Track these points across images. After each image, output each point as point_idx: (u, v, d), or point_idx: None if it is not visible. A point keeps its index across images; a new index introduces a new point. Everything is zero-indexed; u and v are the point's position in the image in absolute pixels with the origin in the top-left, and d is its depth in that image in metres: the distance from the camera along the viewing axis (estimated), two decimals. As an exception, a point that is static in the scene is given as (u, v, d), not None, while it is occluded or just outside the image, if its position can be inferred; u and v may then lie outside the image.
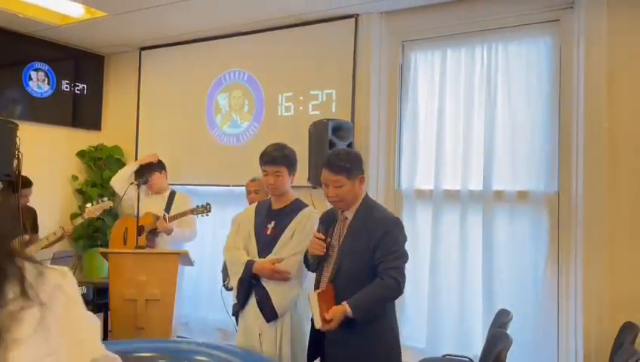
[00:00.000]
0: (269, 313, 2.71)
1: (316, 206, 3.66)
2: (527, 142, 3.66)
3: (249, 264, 2.74)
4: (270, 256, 2.76)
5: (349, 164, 2.41)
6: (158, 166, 4.39)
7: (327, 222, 2.53)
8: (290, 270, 2.70)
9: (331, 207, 2.60)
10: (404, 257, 2.39)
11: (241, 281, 2.77)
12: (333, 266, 2.44)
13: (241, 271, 2.75)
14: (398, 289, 2.32)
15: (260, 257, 2.78)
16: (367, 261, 2.37)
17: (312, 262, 2.53)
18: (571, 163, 3.48)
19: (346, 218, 2.49)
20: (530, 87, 3.67)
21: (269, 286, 2.73)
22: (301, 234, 2.74)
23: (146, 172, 4.29)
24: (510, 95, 3.72)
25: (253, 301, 2.77)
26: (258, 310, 2.74)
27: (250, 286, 2.77)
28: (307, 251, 2.54)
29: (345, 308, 2.26)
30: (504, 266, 3.66)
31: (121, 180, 4.37)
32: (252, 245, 2.83)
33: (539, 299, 3.52)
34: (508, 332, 2.74)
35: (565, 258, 3.48)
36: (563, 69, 3.56)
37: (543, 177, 3.59)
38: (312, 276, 2.83)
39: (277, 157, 2.76)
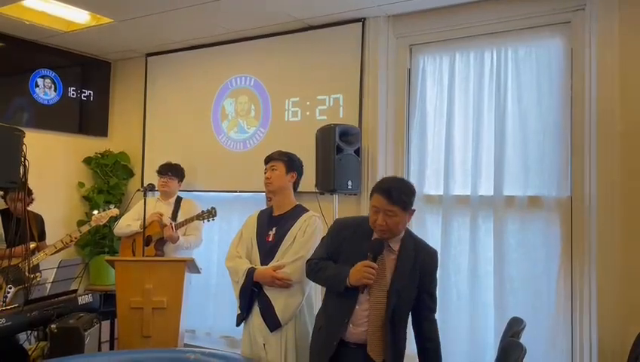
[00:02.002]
0: (272, 322, 2.69)
1: (324, 212, 3.63)
2: (539, 146, 3.59)
3: (250, 272, 2.73)
4: (272, 263, 2.73)
5: (408, 198, 2.36)
6: (181, 176, 4.46)
7: (377, 251, 2.37)
8: (291, 276, 2.68)
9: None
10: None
11: (243, 290, 2.74)
12: (388, 305, 2.37)
13: (243, 280, 2.73)
14: None
15: (262, 264, 2.77)
16: (416, 290, 2.44)
17: (361, 289, 2.36)
18: (584, 167, 3.41)
19: (391, 248, 2.42)
20: (541, 90, 3.60)
21: (272, 294, 2.71)
22: (302, 239, 2.73)
23: (169, 172, 4.35)
24: (520, 99, 3.66)
25: (257, 310, 2.75)
26: (262, 319, 2.71)
27: (252, 295, 2.74)
28: (343, 275, 2.34)
29: None
30: (516, 274, 3.58)
31: (124, 234, 4.28)
32: (254, 253, 2.83)
33: (552, 307, 3.44)
34: (521, 341, 2.67)
35: (579, 264, 3.40)
36: (574, 71, 3.50)
37: (555, 182, 3.52)
38: (315, 285, 2.80)
39: (274, 154, 2.91)
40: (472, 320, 3.68)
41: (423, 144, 4.01)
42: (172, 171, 4.39)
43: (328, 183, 3.75)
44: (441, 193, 3.87)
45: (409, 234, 2.48)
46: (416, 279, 2.41)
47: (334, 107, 4.30)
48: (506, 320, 3.18)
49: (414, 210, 2.42)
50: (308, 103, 4.43)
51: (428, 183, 3.97)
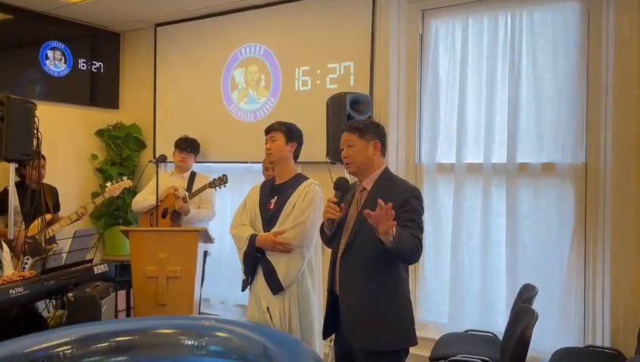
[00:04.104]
0: (275, 285, 2.78)
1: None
2: (553, 112, 3.53)
3: (252, 238, 2.83)
4: (274, 230, 2.83)
5: (363, 126, 2.43)
6: (197, 151, 4.51)
7: (341, 187, 2.44)
8: (291, 241, 2.77)
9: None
10: (421, 229, 2.28)
11: (246, 256, 2.85)
12: (350, 234, 2.36)
13: (246, 246, 2.83)
14: (418, 252, 2.19)
15: (265, 231, 2.86)
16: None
17: (328, 226, 2.41)
18: (599, 133, 3.36)
19: (364, 188, 2.42)
20: (557, 55, 3.52)
21: (274, 258, 2.80)
22: (301, 206, 2.81)
23: (188, 148, 4.39)
24: (535, 64, 3.58)
25: (260, 275, 2.84)
26: (265, 283, 2.81)
27: (255, 260, 2.84)
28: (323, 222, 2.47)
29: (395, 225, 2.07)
30: (529, 241, 3.57)
31: (141, 209, 4.29)
32: (258, 221, 2.93)
33: (565, 274, 3.43)
34: (533, 307, 2.68)
35: (592, 232, 3.38)
36: (591, 35, 3.41)
37: (570, 149, 3.47)
38: (315, 249, 2.87)
39: (274, 125, 2.97)
40: (484, 287, 3.69)
41: (435, 112, 3.96)
42: (191, 147, 4.44)
43: (339, 152, 3.72)
44: (454, 161, 3.84)
45: (386, 175, 2.42)
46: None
47: (345, 75, 4.24)
48: (518, 287, 3.19)
49: (379, 143, 2.40)
50: (318, 72, 4.37)
51: (440, 151, 3.93)
